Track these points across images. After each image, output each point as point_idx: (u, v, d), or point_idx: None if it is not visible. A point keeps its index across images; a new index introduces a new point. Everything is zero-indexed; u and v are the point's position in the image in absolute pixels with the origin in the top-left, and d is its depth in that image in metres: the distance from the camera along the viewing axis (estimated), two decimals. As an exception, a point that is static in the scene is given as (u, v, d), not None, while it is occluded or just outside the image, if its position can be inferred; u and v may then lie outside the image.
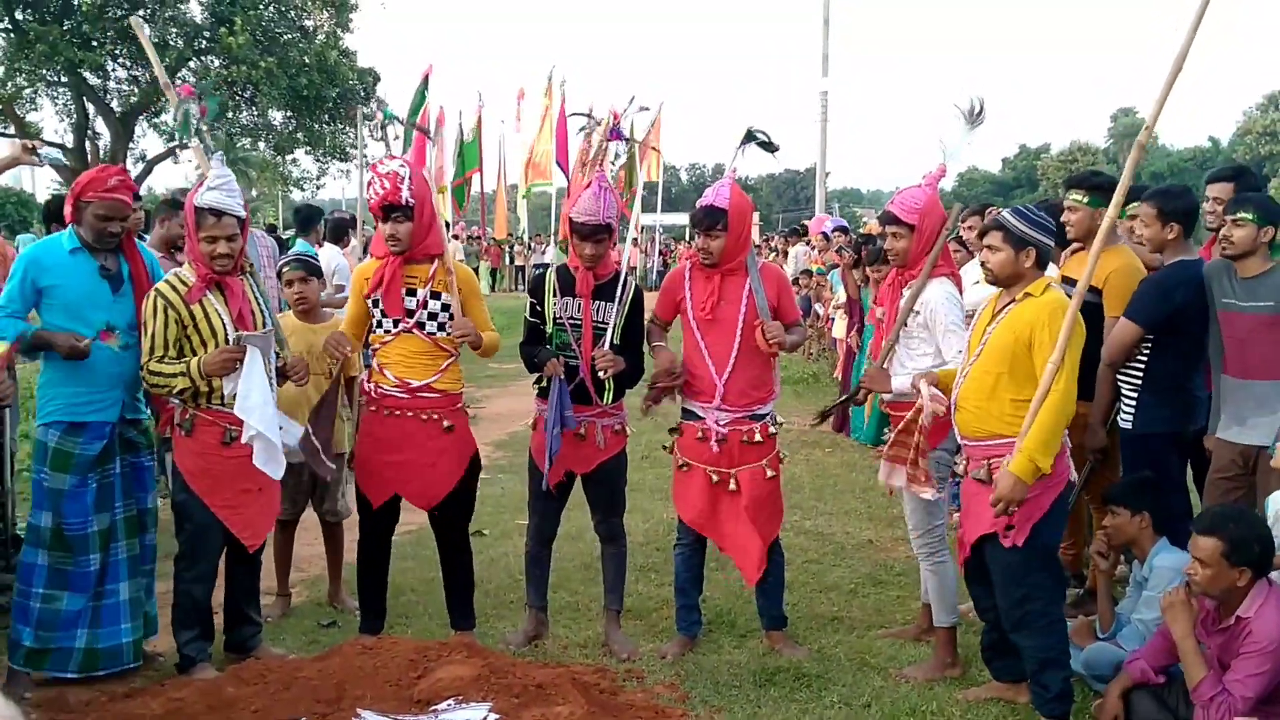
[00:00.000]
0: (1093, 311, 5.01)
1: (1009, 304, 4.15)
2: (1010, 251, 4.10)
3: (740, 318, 4.84)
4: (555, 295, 4.94)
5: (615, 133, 5.27)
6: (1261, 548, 3.72)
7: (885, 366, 4.85)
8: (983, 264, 4.25)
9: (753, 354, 4.85)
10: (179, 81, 26.53)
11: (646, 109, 5.79)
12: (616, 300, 4.89)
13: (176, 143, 28.73)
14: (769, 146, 5.08)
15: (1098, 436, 5.17)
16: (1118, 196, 4.05)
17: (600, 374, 4.81)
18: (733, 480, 4.88)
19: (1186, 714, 3.90)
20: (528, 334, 5.04)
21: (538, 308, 4.97)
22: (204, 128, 4.76)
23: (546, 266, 5.25)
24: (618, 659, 4.86)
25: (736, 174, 5.05)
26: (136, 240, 7.10)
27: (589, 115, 5.38)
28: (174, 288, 4.47)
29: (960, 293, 4.85)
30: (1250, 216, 4.52)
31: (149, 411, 4.76)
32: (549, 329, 4.94)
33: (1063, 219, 5.24)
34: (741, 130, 5.08)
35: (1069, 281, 5.26)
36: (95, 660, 4.45)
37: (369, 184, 4.69)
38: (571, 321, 4.90)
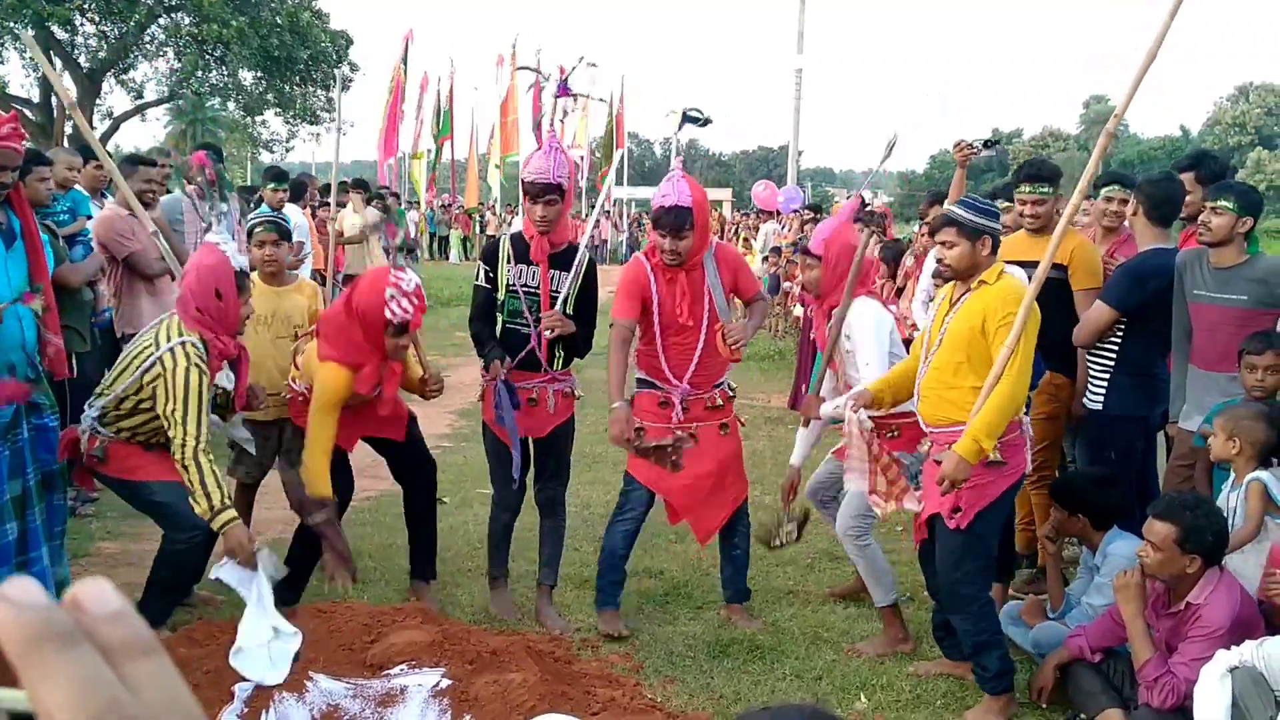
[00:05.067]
0: (1059, 287, 5.15)
1: (965, 293, 4.16)
2: (966, 244, 4.08)
3: (705, 316, 4.81)
4: (510, 261, 4.88)
5: (563, 88, 5.20)
6: (1214, 537, 3.77)
7: (820, 394, 4.97)
8: (939, 261, 4.25)
9: (713, 349, 4.83)
10: (148, 37, 26.18)
11: (595, 65, 5.69)
12: (572, 269, 4.87)
13: (144, 101, 28.44)
14: (701, 121, 5.05)
15: (1080, 403, 5.28)
16: (1082, 184, 4.11)
17: (547, 333, 4.76)
18: (691, 439, 4.85)
19: (1130, 693, 3.97)
20: (482, 304, 4.95)
21: (490, 274, 4.91)
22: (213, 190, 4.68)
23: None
24: (550, 633, 4.84)
25: (684, 163, 4.90)
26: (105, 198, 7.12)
27: (537, 70, 5.31)
28: (203, 361, 4.28)
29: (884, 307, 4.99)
30: (1230, 205, 4.55)
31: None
32: (501, 295, 4.89)
33: (1028, 211, 5.32)
34: (715, 110, 5.06)
35: (1028, 265, 5.34)
36: None
37: (390, 301, 4.51)
38: (525, 289, 4.85)
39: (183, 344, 4.26)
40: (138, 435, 4.43)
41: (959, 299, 4.18)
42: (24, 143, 4.28)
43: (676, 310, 4.78)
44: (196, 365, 4.23)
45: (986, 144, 5.93)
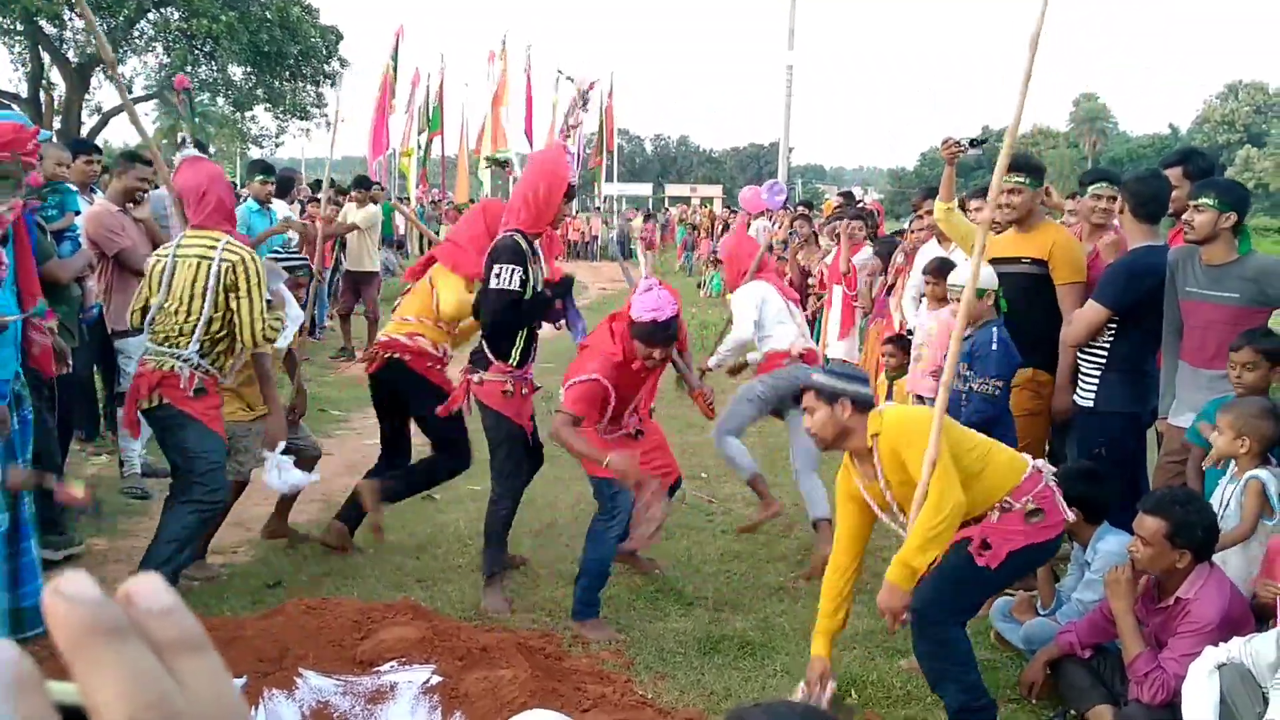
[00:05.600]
0: (1039, 283, 5.26)
1: (869, 455, 3.97)
2: (825, 408, 3.92)
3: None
4: (534, 262, 4.90)
5: (585, 101, 5.41)
6: (1204, 533, 3.79)
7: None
8: (808, 430, 4.08)
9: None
10: (137, 32, 26.14)
11: (571, 79, 6.04)
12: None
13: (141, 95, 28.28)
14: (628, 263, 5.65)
15: (1063, 400, 5.29)
16: (992, 192, 4.46)
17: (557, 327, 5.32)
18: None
19: (1120, 689, 3.98)
20: (518, 310, 4.84)
21: (525, 277, 4.81)
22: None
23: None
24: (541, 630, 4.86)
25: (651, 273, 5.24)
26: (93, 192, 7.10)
27: (573, 80, 5.48)
28: None
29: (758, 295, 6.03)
30: (1210, 202, 4.56)
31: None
32: (529, 296, 4.86)
33: (1004, 200, 5.37)
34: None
35: (999, 261, 5.35)
36: (21, 621, 4.25)
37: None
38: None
39: (227, 243, 4.65)
40: (224, 363, 4.80)
41: (872, 470, 3.99)
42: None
43: (641, 389, 5.15)
44: (251, 251, 4.72)
45: (973, 143, 5.97)
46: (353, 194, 12.60)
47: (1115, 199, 5.39)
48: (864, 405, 3.96)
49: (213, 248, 4.59)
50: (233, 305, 4.60)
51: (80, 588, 0.43)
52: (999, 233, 5.72)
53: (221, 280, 4.58)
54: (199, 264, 4.58)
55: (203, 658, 0.46)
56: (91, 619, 0.43)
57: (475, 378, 4.97)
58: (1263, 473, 4.11)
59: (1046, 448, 5.87)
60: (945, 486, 3.74)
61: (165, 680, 0.43)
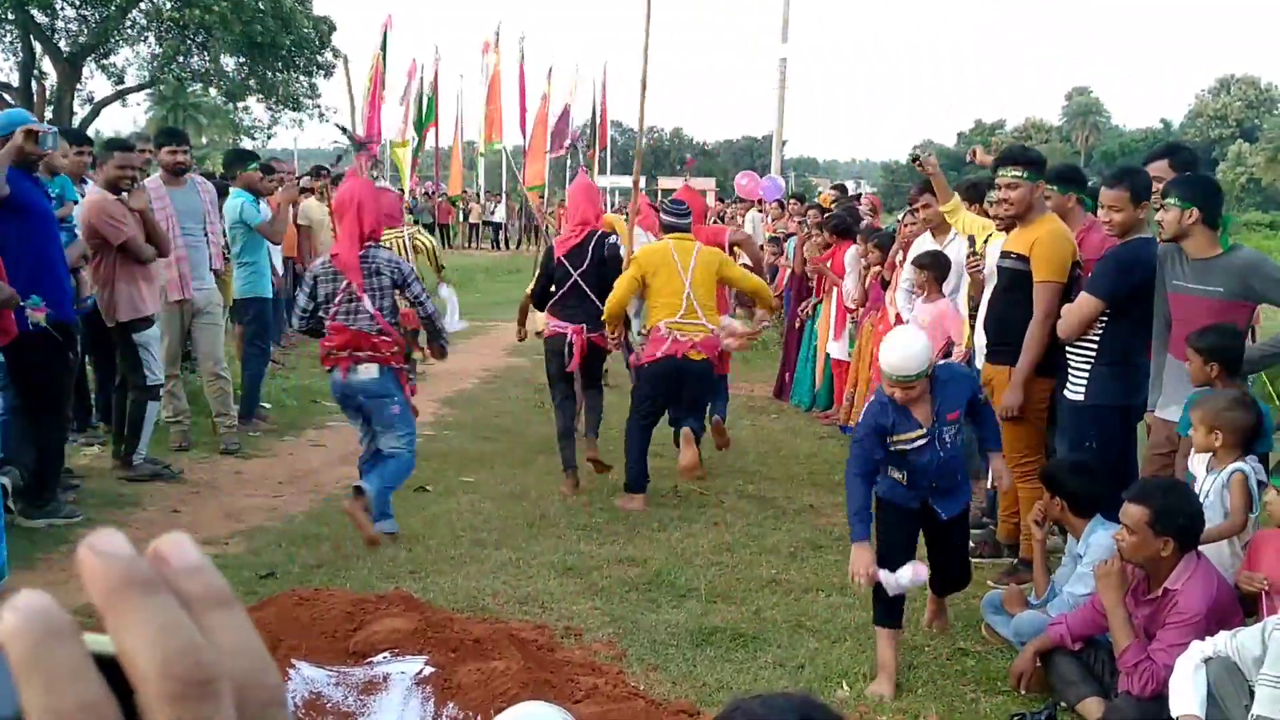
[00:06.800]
0: (1025, 280, 5.27)
1: None
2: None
3: None
4: None
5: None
6: (1187, 520, 3.80)
7: None
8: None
9: None
10: (129, 22, 26.05)
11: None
12: None
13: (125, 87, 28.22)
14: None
15: (1014, 395, 5.25)
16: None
17: None
18: None
19: (1110, 682, 4.00)
20: None
21: None
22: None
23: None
24: (532, 623, 4.86)
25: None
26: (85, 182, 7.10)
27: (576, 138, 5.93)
28: None
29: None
30: (1173, 200, 4.63)
31: None
32: None
33: (1000, 195, 5.36)
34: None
35: (1008, 256, 5.34)
36: None
37: None
38: None
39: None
40: None
41: None
42: None
43: None
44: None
45: (913, 159, 6.27)
46: (314, 184, 11.92)
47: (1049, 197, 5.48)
48: (664, 229, 6.50)
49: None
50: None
51: (114, 544, 0.45)
52: (1002, 229, 5.70)
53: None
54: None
55: (230, 612, 0.47)
56: (125, 573, 0.44)
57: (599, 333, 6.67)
58: (1245, 465, 4.13)
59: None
60: (615, 287, 6.30)
61: (193, 631, 0.45)
